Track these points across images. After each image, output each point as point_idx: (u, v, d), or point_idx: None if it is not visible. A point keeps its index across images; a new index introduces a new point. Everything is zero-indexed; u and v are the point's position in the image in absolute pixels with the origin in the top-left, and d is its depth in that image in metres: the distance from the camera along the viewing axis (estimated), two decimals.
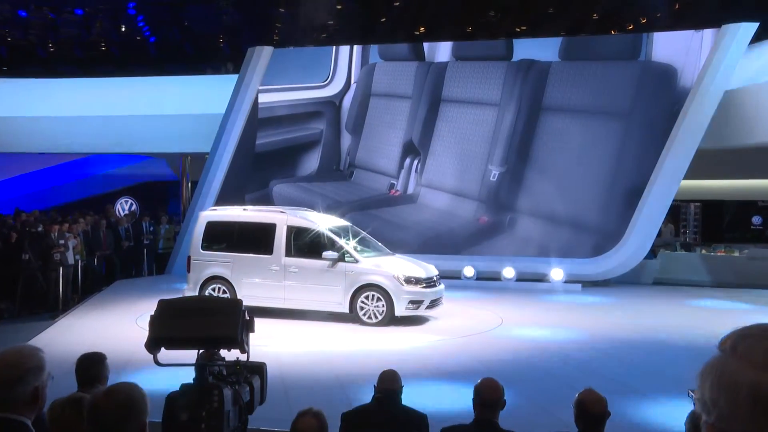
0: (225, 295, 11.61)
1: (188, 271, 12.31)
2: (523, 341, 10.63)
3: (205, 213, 12.70)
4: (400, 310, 11.54)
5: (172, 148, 20.64)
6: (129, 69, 22.02)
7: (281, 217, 12.10)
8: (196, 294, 11.45)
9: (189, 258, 12.32)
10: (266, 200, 17.55)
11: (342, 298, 11.68)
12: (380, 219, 16.98)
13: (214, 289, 12.04)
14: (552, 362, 9.32)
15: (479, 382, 3.95)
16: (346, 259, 11.73)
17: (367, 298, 11.63)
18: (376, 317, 11.56)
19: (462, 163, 17.14)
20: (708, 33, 15.95)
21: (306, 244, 12.02)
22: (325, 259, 11.69)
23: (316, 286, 11.76)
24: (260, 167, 18.44)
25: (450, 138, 17.33)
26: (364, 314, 11.62)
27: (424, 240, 16.74)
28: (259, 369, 3.29)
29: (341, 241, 11.91)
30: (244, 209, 12.69)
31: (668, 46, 16.19)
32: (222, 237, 12.32)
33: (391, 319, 11.55)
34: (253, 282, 11.91)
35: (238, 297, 11.35)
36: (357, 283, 11.63)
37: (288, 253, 11.85)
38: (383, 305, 11.54)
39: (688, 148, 15.60)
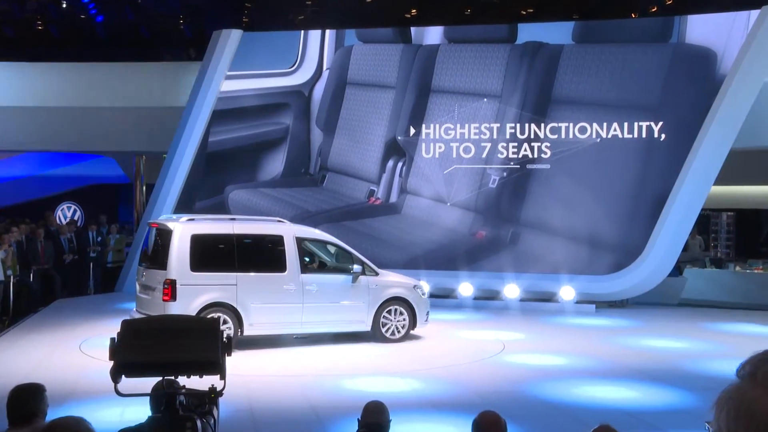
0: (227, 326, 11.17)
1: (170, 299, 11.10)
2: (528, 369, 10.72)
3: (183, 225, 11.56)
4: (422, 322, 12.61)
5: (123, 146, 20.59)
6: (72, 53, 21.94)
7: (286, 228, 12.14)
8: None
9: (172, 283, 11.16)
10: (221, 209, 17.23)
11: (365, 316, 12.27)
12: (358, 232, 16.77)
13: None
14: (561, 394, 9.40)
15: (478, 415, 4.00)
16: (367, 272, 12.26)
17: (389, 312, 12.37)
18: (399, 332, 12.43)
19: (455, 166, 17.13)
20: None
21: (320, 257, 12.32)
22: (349, 273, 12.16)
23: (338, 304, 12.09)
24: (213, 170, 18.17)
25: (441, 136, 17.29)
26: (387, 330, 12.35)
27: (411, 257, 16.71)
28: (215, 399, 3.34)
29: (356, 252, 12.45)
30: (232, 218, 12.34)
31: (706, 25, 16.03)
32: (217, 254, 11.65)
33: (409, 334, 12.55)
34: (265, 306, 11.62)
35: (246, 325, 11.40)
36: (382, 298, 12.34)
37: (303, 269, 11.90)
38: (405, 319, 12.42)
39: (720, 149, 15.69)
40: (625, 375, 10.39)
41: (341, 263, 12.56)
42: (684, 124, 15.91)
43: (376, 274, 12.52)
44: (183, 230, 11.42)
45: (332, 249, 12.74)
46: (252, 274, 11.65)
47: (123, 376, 3.11)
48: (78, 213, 22.42)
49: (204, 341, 3.04)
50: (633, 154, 16.22)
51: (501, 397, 9.11)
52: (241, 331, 11.41)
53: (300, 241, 12.03)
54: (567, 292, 15.96)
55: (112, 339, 3.14)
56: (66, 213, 22.81)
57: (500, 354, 11.76)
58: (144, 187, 21.99)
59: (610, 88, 16.48)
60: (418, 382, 9.90)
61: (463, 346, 12.48)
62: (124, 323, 3.22)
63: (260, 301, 11.58)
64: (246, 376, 9.76)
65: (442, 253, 16.85)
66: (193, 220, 11.92)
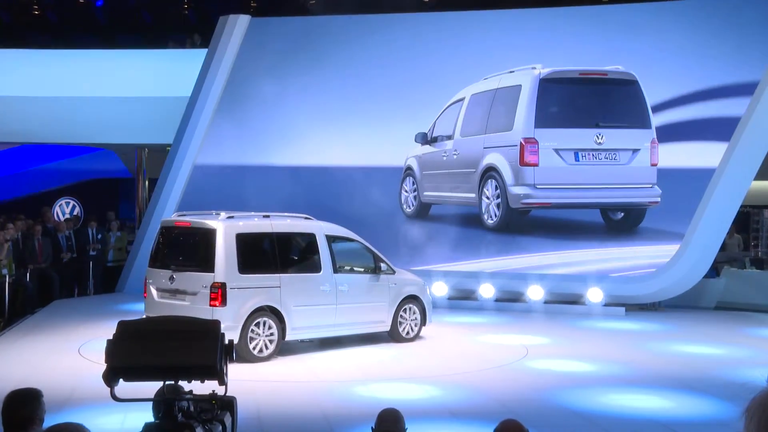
0: (271, 331, 11.31)
1: (220, 303, 10.90)
2: (552, 376, 10.72)
3: (226, 223, 11.30)
4: (429, 321, 13.17)
5: (125, 138, 20.70)
6: (71, 40, 22.11)
7: (317, 225, 12.30)
8: (237, 337, 10.81)
9: (222, 286, 10.95)
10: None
11: (386, 316, 12.67)
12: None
13: (258, 325, 11.19)
14: (588, 402, 9.40)
15: (499, 424, 4.01)
16: (386, 270, 12.73)
17: (405, 311, 12.86)
18: (413, 331, 12.97)
19: (460, 155, 16.88)
20: None
21: (346, 255, 12.56)
22: (373, 272, 12.60)
23: (367, 304, 12.42)
24: None
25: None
26: (403, 330, 12.83)
27: (417, 255, 16.87)
28: (229, 404, 3.38)
29: (376, 250, 12.81)
30: (266, 215, 12.21)
31: None
32: (261, 254, 11.71)
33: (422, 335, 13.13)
34: (305, 309, 11.68)
35: (289, 330, 11.46)
36: (400, 296, 12.79)
37: (335, 269, 12.11)
38: (417, 318, 13.00)
39: (761, 140, 15.59)
40: (656, 383, 10.36)
41: (363, 262, 12.73)
42: (722, 108, 15.79)
43: (393, 272, 12.84)
44: (227, 229, 11.19)
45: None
46: (293, 274, 11.73)
47: (121, 380, 3.15)
48: (77, 209, 22.54)
49: (203, 344, 3.07)
50: (666, 141, 16.11)
51: (523, 405, 9.12)
52: (284, 337, 11.46)
53: (330, 239, 12.20)
54: (595, 294, 15.91)
55: (109, 341, 3.19)
56: (64, 209, 22.94)
57: (523, 359, 11.76)
58: (147, 182, 22.09)
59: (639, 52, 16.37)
60: (435, 388, 9.92)
61: (483, 350, 12.49)
62: (121, 324, 3.26)
63: (301, 304, 11.64)
64: (253, 382, 9.83)
65: (456, 251, 16.92)
66: (232, 217, 11.68)
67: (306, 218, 12.55)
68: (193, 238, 11.67)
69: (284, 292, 11.45)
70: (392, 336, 12.76)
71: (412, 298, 12.95)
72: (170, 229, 11.98)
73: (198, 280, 11.12)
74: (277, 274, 11.48)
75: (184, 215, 12.17)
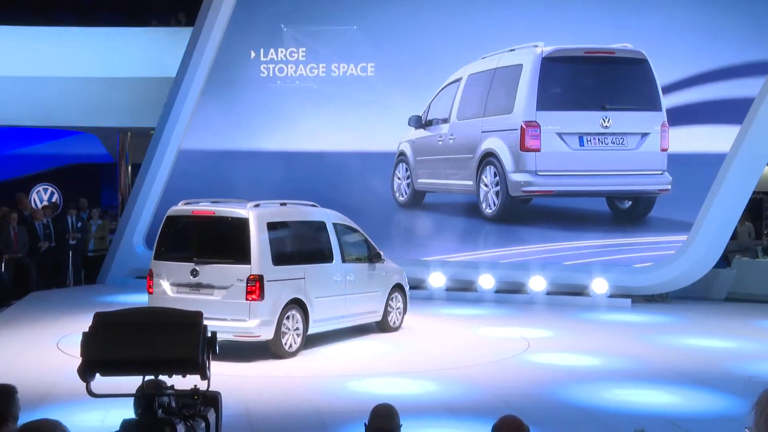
0: (297, 325, 11.28)
1: (258, 297, 10.77)
2: (555, 370, 10.73)
3: (257, 212, 11.07)
4: (407, 309, 13.51)
5: (106, 121, 20.63)
6: (49, 17, 21.97)
7: (325, 213, 12.44)
8: (273, 332, 10.89)
9: (260, 279, 10.77)
10: None
11: (380, 305, 12.96)
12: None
13: (288, 318, 11.13)
14: (592, 398, 9.43)
15: (498, 420, 4.02)
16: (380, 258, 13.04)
17: (392, 300, 13.18)
18: (398, 320, 13.37)
19: (456, 139, 16.92)
20: None
21: (350, 244, 12.76)
22: (372, 260, 12.86)
23: (366, 294, 12.65)
24: None
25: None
26: (390, 319, 13.16)
27: (413, 244, 16.93)
28: (213, 400, 3.38)
29: (368, 237, 13.09)
30: (282, 203, 12.09)
31: None
32: (287, 244, 11.76)
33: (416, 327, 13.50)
34: (323, 300, 11.76)
35: (311, 323, 11.46)
36: (390, 285, 13.14)
37: (343, 258, 12.28)
38: (401, 306, 13.37)
39: None
40: (664, 377, 10.39)
41: (360, 250, 12.88)
42: (736, 88, 15.80)
43: (384, 260, 13.11)
44: (259, 218, 11.00)
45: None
46: (313, 265, 11.78)
47: (98, 374, 3.14)
48: (56, 195, 22.48)
49: (183, 336, 3.07)
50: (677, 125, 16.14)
51: (524, 401, 9.13)
52: (307, 330, 11.46)
53: (336, 227, 12.36)
54: (600, 285, 15.95)
55: (85, 333, 3.18)
56: (42, 196, 22.86)
57: (524, 353, 11.77)
58: (130, 168, 22.05)
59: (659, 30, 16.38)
60: (432, 383, 9.93)
61: (482, 343, 12.49)
62: (97, 315, 3.26)
63: (320, 295, 11.72)
64: (241, 377, 9.83)
65: (456, 240, 16.95)
66: (258, 205, 11.43)
67: (313, 206, 12.59)
68: (220, 229, 11.33)
69: (308, 284, 11.52)
70: (381, 326, 13.00)
71: (398, 287, 13.28)
72: (185, 219, 11.54)
73: (231, 273, 10.85)
74: (302, 265, 11.56)
75: (189, 203, 11.71)
